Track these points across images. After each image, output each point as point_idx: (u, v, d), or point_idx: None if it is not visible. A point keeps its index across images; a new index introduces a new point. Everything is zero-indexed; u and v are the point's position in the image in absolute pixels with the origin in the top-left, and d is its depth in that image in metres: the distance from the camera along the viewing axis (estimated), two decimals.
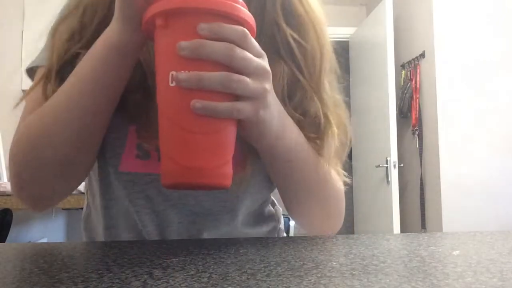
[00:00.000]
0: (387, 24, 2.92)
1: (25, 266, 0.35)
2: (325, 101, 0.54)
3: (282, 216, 0.71)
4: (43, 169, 0.51)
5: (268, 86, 0.40)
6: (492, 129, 2.73)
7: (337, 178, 0.58)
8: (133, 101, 0.51)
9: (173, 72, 0.36)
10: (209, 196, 0.56)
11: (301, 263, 0.34)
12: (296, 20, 0.54)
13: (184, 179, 0.37)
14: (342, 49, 3.64)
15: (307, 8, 0.54)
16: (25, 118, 0.54)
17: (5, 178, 2.19)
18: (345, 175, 0.61)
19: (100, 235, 0.60)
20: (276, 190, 0.61)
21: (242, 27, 0.37)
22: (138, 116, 0.51)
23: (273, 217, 0.66)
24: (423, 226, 2.93)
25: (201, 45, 0.35)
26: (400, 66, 3.21)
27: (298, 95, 0.54)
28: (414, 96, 3.02)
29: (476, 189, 2.69)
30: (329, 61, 0.56)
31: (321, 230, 0.61)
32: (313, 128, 0.53)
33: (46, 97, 0.51)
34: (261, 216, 0.64)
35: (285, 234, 0.71)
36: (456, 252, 0.39)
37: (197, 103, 0.35)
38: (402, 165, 3.15)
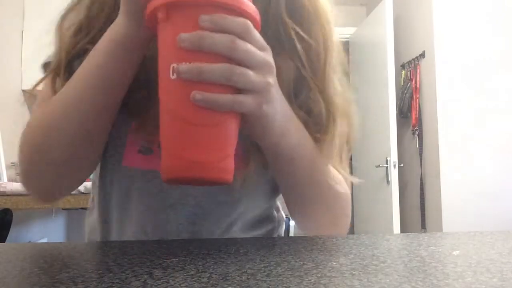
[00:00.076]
0: (387, 24, 2.92)
1: (25, 266, 0.35)
2: (331, 98, 0.52)
3: (283, 222, 0.69)
4: (49, 163, 0.51)
5: (272, 80, 0.40)
6: (492, 129, 2.73)
7: (342, 180, 0.57)
8: (136, 98, 0.51)
9: (174, 65, 0.36)
10: (210, 197, 0.56)
11: (301, 263, 0.34)
12: (301, 14, 0.52)
13: (184, 173, 0.36)
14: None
15: (313, 3, 0.53)
16: (36, 112, 0.55)
17: (5, 178, 2.19)
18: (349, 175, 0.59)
19: (98, 230, 0.60)
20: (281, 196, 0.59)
21: (244, 19, 0.37)
22: (141, 112, 0.52)
23: (273, 221, 0.65)
24: (423, 226, 2.93)
25: (202, 37, 0.35)
26: (400, 66, 3.21)
27: (303, 92, 0.53)
28: (414, 96, 3.02)
29: (476, 189, 2.69)
30: (335, 56, 0.54)
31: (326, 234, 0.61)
32: (319, 127, 0.52)
33: (54, 91, 0.51)
34: (262, 221, 0.63)
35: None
36: (456, 252, 0.39)
37: (197, 94, 0.35)
38: (402, 165, 3.15)
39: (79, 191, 1.77)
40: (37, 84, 0.55)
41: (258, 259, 0.36)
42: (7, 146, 2.26)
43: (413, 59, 3.06)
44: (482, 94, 2.74)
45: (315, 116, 0.52)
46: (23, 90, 2.51)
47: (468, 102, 2.74)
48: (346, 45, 3.73)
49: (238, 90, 0.38)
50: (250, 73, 0.37)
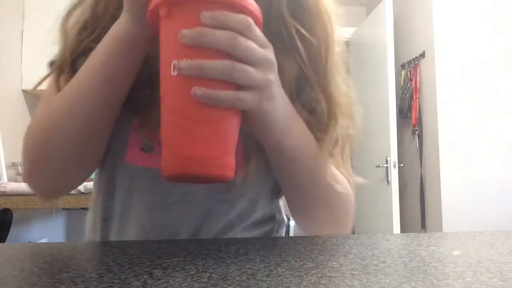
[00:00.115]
0: (387, 24, 2.92)
1: (25, 266, 0.35)
2: (333, 97, 0.52)
3: (284, 224, 0.68)
4: (52, 160, 0.52)
5: (273, 77, 0.40)
6: (492, 129, 2.73)
7: (343, 179, 0.56)
8: (139, 96, 0.51)
9: (175, 61, 0.36)
10: (210, 196, 0.56)
11: (301, 263, 0.34)
12: (303, 13, 0.52)
13: (183, 169, 0.36)
14: None
15: (315, 1, 0.53)
16: (40, 109, 0.55)
17: (5, 178, 2.19)
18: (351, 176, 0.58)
19: (98, 228, 0.61)
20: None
21: (245, 16, 0.37)
22: (143, 110, 0.52)
23: (273, 221, 0.64)
24: (423, 226, 2.93)
25: (202, 33, 0.35)
26: (400, 66, 3.21)
27: (305, 91, 0.52)
28: (414, 96, 3.02)
29: (476, 189, 2.70)
30: (338, 55, 0.54)
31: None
32: (321, 126, 0.51)
33: (58, 88, 0.52)
34: (262, 222, 0.62)
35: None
36: (456, 252, 0.39)
37: (197, 90, 0.35)
38: (402, 165, 3.15)
39: (79, 191, 1.77)
40: (41, 82, 0.55)
41: (258, 259, 0.36)
42: (7, 146, 2.26)
43: (413, 59, 3.06)
44: (482, 94, 2.74)
45: (318, 116, 0.52)
46: (23, 90, 2.51)
47: (468, 102, 2.74)
48: (346, 45, 3.72)
49: (239, 87, 0.37)
50: (251, 69, 0.37)
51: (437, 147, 2.75)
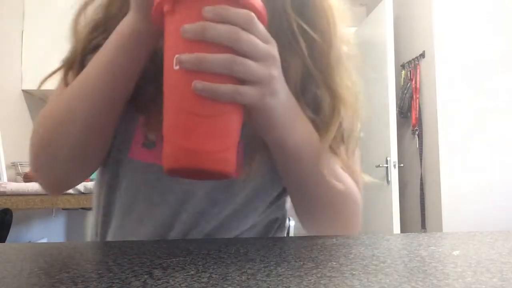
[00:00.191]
0: (387, 24, 2.92)
1: (25, 266, 0.35)
2: (338, 93, 0.51)
3: (285, 225, 0.67)
4: (58, 155, 0.52)
5: (276, 72, 0.39)
6: (492, 129, 2.73)
7: (348, 179, 0.55)
8: (144, 93, 0.51)
9: (177, 55, 0.36)
10: (210, 195, 0.56)
11: (301, 263, 0.34)
12: (306, 9, 0.52)
13: (183, 162, 0.36)
14: None
15: None
16: (49, 104, 0.56)
17: (5, 178, 2.19)
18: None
19: (99, 224, 0.61)
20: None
21: (248, 11, 0.37)
22: (148, 107, 0.52)
23: (273, 223, 0.63)
24: (423, 226, 2.93)
25: (204, 28, 0.35)
26: (400, 66, 3.21)
27: (310, 89, 0.52)
28: (414, 96, 3.02)
29: (476, 189, 2.69)
30: (344, 51, 0.53)
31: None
32: (326, 124, 0.50)
33: (66, 84, 0.52)
34: (264, 223, 0.61)
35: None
36: (456, 252, 0.39)
37: (198, 83, 0.35)
38: (402, 165, 3.14)
39: (79, 191, 1.77)
40: (47, 77, 0.55)
41: (258, 259, 0.36)
42: (7, 146, 2.25)
43: (413, 59, 3.06)
44: (482, 94, 2.74)
45: (323, 114, 0.51)
46: (23, 90, 2.51)
47: (468, 102, 2.74)
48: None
49: (242, 83, 0.37)
50: (252, 63, 0.37)
51: (437, 147, 2.75)
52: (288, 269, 0.32)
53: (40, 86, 0.56)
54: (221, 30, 0.35)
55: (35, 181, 0.59)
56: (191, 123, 0.36)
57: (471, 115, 2.74)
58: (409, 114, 3.07)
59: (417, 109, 2.99)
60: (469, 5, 2.80)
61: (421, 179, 2.96)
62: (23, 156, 2.30)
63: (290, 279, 0.29)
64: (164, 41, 0.38)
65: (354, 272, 0.31)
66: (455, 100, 2.75)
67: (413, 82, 3.03)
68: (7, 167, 2.25)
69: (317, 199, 0.54)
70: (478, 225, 2.63)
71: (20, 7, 2.54)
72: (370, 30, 3.28)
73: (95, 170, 0.59)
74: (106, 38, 0.50)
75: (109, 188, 0.59)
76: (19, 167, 2.29)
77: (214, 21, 0.35)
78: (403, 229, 3.05)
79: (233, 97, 0.37)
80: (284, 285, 0.28)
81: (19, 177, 2.28)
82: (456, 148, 2.73)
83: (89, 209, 2.23)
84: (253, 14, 0.37)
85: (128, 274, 0.31)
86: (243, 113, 0.39)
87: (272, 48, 0.39)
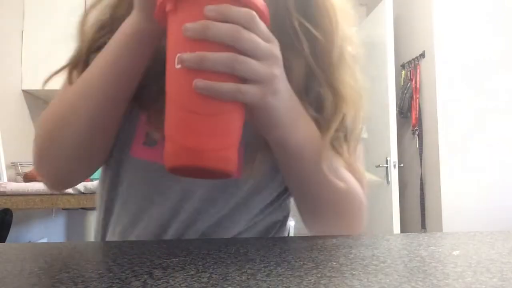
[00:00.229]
0: (387, 24, 2.92)
1: (25, 266, 0.35)
2: (340, 92, 0.51)
3: (285, 225, 0.66)
4: (61, 153, 0.53)
5: (277, 71, 0.39)
6: (492, 129, 2.73)
7: (350, 178, 0.55)
8: (147, 91, 0.51)
9: (179, 54, 0.36)
10: (210, 194, 0.56)
11: (301, 263, 0.34)
12: (309, 8, 0.52)
13: (184, 160, 0.36)
14: None
15: None
16: (53, 102, 0.57)
17: (5, 178, 2.19)
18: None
19: (100, 223, 0.61)
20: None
21: (250, 10, 0.37)
22: (151, 106, 0.52)
23: (273, 223, 0.63)
24: (423, 226, 2.93)
25: (206, 26, 0.35)
26: (400, 66, 3.21)
27: (314, 89, 0.52)
28: (414, 96, 3.02)
29: (476, 189, 2.70)
30: (349, 50, 0.53)
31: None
32: (328, 124, 0.50)
33: (70, 82, 0.53)
34: (265, 223, 0.61)
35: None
36: (456, 252, 0.39)
37: (199, 82, 0.35)
38: (402, 165, 3.14)
39: (79, 191, 1.76)
40: (52, 76, 0.55)
41: (258, 259, 0.36)
42: (7, 146, 2.25)
43: (413, 59, 3.06)
44: (482, 94, 2.74)
45: (326, 113, 0.51)
46: (23, 90, 2.51)
47: (468, 102, 2.74)
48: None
49: (244, 82, 0.37)
50: (254, 62, 0.37)
51: (437, 147, 2.75)
52: (288, 269, 0.32)
53: (44, 85, 0.56)
54: (222, 28, 0.35)
55: (37, 179, 0.59)
56: (193, 121, 0.36)
57: (471, 115, 2.74)
58: (409, 114, 3.07)
59: (417, 109, 2.99)
60: (469, 5, 2.80)
61: (421, 179, 2.96)
62: (23, 156, 2.30)
63: (290, 279, 0.29)
64: (166, 40, 0.39)
65: (354, 272, 0.31)
66: (455, 100, 2.75)
67: (413, 82, 3.03)
68: (7, 167, 2.26)
69: (319, 198, 0.54)
70: (478, 225, 2.63)
71: (20, 7, 2.54)
72: (370, 30, 3.28)
73: (99, 168, 0.59)
74: (111, 37, 0.50)
75: (111, 186, 0.59)
76: (19, 167, 2.29)
77: (216, 20, 0.35)
78: (403, 229, 3.05)
79: (235, 96, 0.37)
80: (284, 285, 0.28)
81: (19, 177, 2.28)
82: (456, 148, 2.73)
83: (89, 209, 2.23)
84: (254, 13, 0.37)
85: (128, 274, 0.31)
86: (245, 112, 0.39)
87: (274, 47, 0.39)
